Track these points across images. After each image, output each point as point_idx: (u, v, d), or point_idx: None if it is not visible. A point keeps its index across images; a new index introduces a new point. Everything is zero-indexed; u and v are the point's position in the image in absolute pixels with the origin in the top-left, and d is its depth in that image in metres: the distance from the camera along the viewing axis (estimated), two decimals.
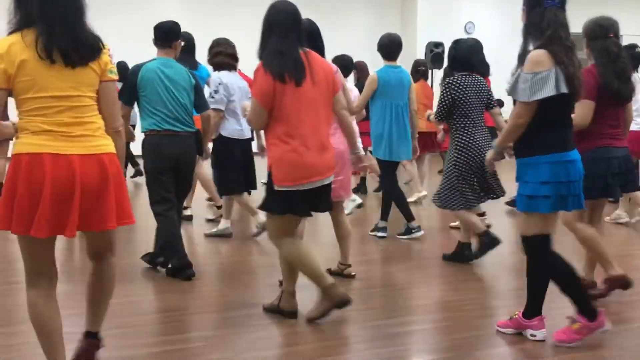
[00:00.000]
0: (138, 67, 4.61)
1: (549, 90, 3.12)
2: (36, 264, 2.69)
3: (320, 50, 4.38)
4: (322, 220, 5.24)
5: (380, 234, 5.88)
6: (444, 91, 4.92)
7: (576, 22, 3.51)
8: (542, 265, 3.35)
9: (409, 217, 5.84)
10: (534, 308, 3.37)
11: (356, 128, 4.65)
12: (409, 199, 7.89)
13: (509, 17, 13.05)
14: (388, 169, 5.87)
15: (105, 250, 2.89)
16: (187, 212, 6.54)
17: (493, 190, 5.00)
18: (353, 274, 4.57)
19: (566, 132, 3.29)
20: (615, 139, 3.92)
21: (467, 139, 4.88)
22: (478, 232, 4.94)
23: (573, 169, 3.25)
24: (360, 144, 4.55)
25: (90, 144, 2.64)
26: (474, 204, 4.99)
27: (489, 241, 4.92)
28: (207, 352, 3.31)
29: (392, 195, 5.83)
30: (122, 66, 7.07)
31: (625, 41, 5.28)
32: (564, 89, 3.14)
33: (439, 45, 12.22)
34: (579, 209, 3.55)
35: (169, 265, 4.56)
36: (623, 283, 4.03)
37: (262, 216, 5.76)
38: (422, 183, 8.04)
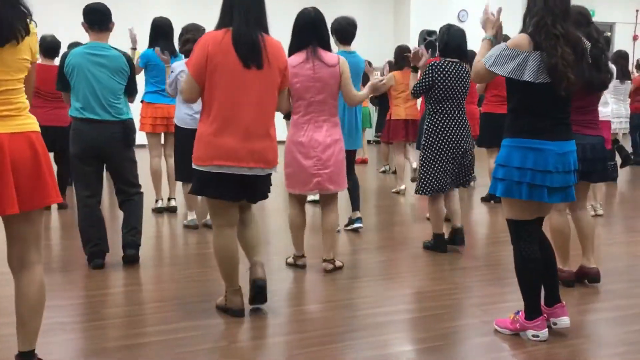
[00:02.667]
0: (67, 52, 4.62)
1: (506, 70, 3.10)
2: None
3: (325, 41, 4.39)
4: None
5: (356, 225, 5.78)
6: (426, 72, 4.94)
7: None
8: (514, 253, 3.32)
9: (354, 206, 5.82)
10: (530, 308, 3.30)
11: None
12: (393, 190, 7.96)
13: (503, 4, 13.02)
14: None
15: (29, 250, 2.79)
16: (172, 203, 6.62)
17: (464, 177, 5.05)
18: (329, 268, 4.53)
19: (544, 121, 3.16)
20: (585, 127, 3.91)
21: (437, 125, 4.92)
22: (435, 231, 5.06)
23: (546, 159, 3.14)
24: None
25: (17, 122, 2.64)
26: (446, 188, 5.00)
27: (434, 244, 5.06)
28: (201, 342, 3.33)
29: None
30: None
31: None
32: (529, 77, 3.07)
33: (432, 33, 12.22)
34: (561, 202, 3.52)
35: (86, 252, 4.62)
36: (567, 281, 4.14)
37: (193, 213, 5.85)
38: (403, 172, 7.98)
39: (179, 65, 5.29)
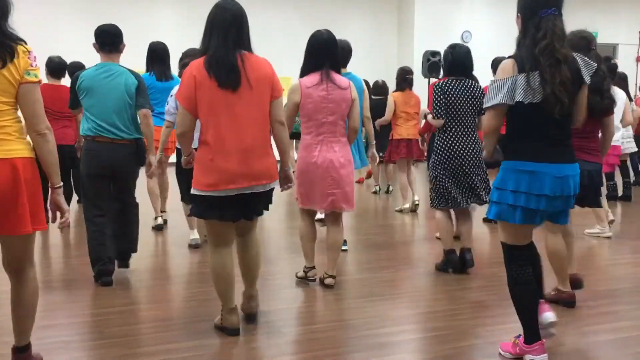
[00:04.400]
0: (79, 73, 4.68)
1: (500, 98, 3.07)
2: None
3: (337, 63, 4.46)
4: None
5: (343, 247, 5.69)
6: (435, 92, 4.95)
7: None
8: (507, 276, 3.28)
9: None
10: (528, 332, 3.26)
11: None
12: (396, 208, 7.96)
13: (506, 25, 13.11)
14: None
15: (22, 261, 2.85)
16: (164, 216, 6.68)
17: (477, 195, 5.03)
18: (332, 283, 4.59)
19: (539, 142, 3.09)
20: (584, 152, 3.91)
21: (445, 142, 4.93)
22: (444, 248, 5.05)
23: (542, 182, 3.07)
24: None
25: (2, 148, 2.61)
26: (458, 204, 5.00)
27: (444, 263, 5.05)
28: None
29: None
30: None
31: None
32: (520, 97, 3.03)
33: (435, 54, 12.25)
34: (550, 222, 3.47)
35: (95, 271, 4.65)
36: (568, 301, 4.15)
37: (195, 232, 5.85)
38: (412, 191, 7.98)
39: (175, 89, 5.34)
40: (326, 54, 4.38)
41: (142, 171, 4.93)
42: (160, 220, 6.60)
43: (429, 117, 5.22)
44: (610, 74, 5.74)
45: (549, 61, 3.03)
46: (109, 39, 4.64)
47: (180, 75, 5.61)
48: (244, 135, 3.43)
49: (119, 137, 4.56)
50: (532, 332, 3.24)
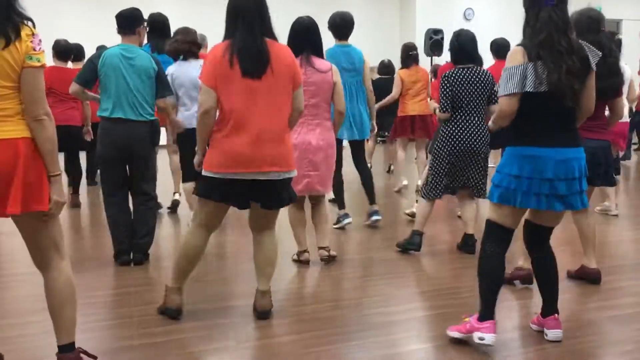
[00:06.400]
0: (101, 51, 4.72)
1: (512, 87, 3.05)
2: None
3: (318, 48, 4.52)
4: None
5: (345, 221, 5.79)
6: (443, 85, 4.92)
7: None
8: (480, 250, 3.29)
9: (340, 205, 5.85)
10: (486, 309, 3.24)
11: None
12: (395, 189, 7.98)
13: (509, 3, 13.04)
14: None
15: (47, 250, 2.74)
16: (175, 197, 6.73)
17: (476, 186, 5.01)
18: (324, 255, 4.71)
19: (543, 128, 3.10)
20: (589, 131, 3.88)
21: (451, 131, 4.90)
22: (415, 229, 5.08)
23: (544, 166, 3.08)
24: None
25: (3, 129, 2.58)
26: (448, 191, 5.03)
27: (409, 242, 5.07)
28: (209, 342, 3.34)
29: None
30: None
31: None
32: (530, 88, 3.03)
33: (438, 32, 12.18)
34: (570, 209, 3.39)
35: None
36: (593, 277, 4.22)
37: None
38: (422, 171, 8.01)
39: (170, 69, 5.39)
40: (307, 38, 4.46)
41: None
42: (177, 196, 6.67)
43: (437, 111, 5.20)
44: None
45: (550, 53, 3.02)
46: (122, 22, 4.73)
47: (168, 52, 5.60)
48: (263, 121, 3.41)
49: (135, 118, 4.61)
50: (489, 309, 3.23)
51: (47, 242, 2.75)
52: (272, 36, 3.49)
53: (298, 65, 3.59)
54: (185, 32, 5.55)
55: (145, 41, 6.27)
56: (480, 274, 3.28)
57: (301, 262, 4.73)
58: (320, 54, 4.57)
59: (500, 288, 3.28)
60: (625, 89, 5.82)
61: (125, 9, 4.80)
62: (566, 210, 3.25)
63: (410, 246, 5.06)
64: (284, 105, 3.51)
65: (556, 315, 3.35)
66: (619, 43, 5.98)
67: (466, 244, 5.09)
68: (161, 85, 4.76)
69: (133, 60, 4.62)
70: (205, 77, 3.42)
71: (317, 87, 4.45)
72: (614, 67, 3.90)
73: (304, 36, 4.46)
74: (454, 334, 3.35)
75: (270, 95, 3.43)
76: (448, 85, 4.88)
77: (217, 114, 3.48)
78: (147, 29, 6.35)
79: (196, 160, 3.60)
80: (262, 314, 3.65)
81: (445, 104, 4.91)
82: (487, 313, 3.23)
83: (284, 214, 6.45)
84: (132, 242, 4.75)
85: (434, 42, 12.13)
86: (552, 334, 3.33)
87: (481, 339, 3.20)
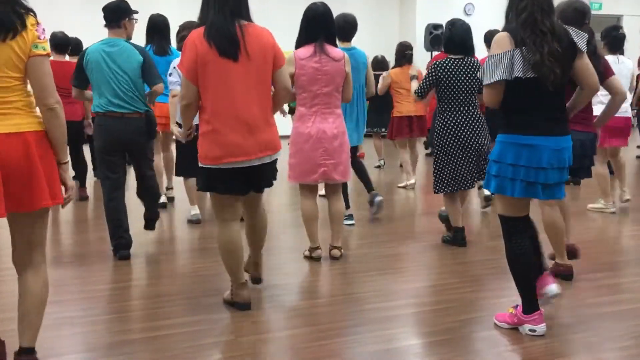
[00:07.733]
0: (85, 49, 4.73)
1: (499, 74, 3.04)
2: None
3: (332, 35, 4.48)
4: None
5: (348, 223, 5.67)
6: (429, 71, 4.93)
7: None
8: (506, 248, 3.32)
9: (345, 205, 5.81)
10: (527, 302, 3.29)
11: None
12: (400, 185, 7.97)
13: None
14: None
15: (33, 246, 2.75)
16: (170, 194, 6.75)
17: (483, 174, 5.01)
18: (338, 255, 4.70)
19: (536, 116, 3.10)
20: (576, 122, 3.84)
21: (447, 122, 4.90)
22: (453, 225, 5.06)
23: (540, 155, 3.09)
24: None
25: (12, 122, 2.58)
26: (462, 187, 5.00)
27: (453, 239, 5.07)
28: (207, 335, 3.34)
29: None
30: None
31: None
32: (518, 73, 3.02)
33: (438, 27, 12.15)
34: (551, 199, 3.45)
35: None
36: (565, 275, 4.15)
37: (196, 207, 5.89)
38: (413, 169, 8.01)
39: (176, 62, 5.33)
40: (321, 26, 4.39)
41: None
42: (164, 199, 6.58)
43: (413, 85, 5.22)
44: (618, 42, 5.70)
45: (533, 33, 3.01)
46: (106, 15, 4.71)
47: (179, 48, 5.60)
48: (246, 106, 3.42)
49: (128, 111, 4.60)
50: (531, 302, 3.28)
51: (38, 240, 2.77)
52: (248, 18, 3.46)
53: (277, 46, 3.54)
54: (191, 27, 5.51)
55: (145, 42, 6.30)
56: (514, 271, 3.30)
57: (313, 259, 4.67)
58: (333, 42, 4.49)
59: (533, 276, 3.32)
60: (626, 82, 5.82)
61: (111, 2, 4.75)
62: (547, 199, 3.27)
63: (456, 242, 5.06)
64: (266, 88, 3.51)
65: (547, 272, 3.42)
66: (621, 37, 5.96)
67: (455, 237, 5.09)
68: (149, 75, 4.70)
69: (115, 54, 4.59)
70: (184, 68, 3.40)
71: (331, 76, 4.40)
72: (594, 54, 3.84)
73: (319, 23, 4.38)
74: (503, 325, 3.39)
75: (251, 77, 3.41)
76: (433, 73, 4.89)
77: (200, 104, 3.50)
78: (136, 20, 6.36)
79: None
80: (256, 279, 3.92)
81: (423, 90, 4.94)
82: (531, 305, 3.28)
83: (283, 212, 6.47)
84: (146, 213, 4.93)
85: (434, 37, 12.11)
86: (550, 290, 3.40)
87: (532, 330, 3.28)
